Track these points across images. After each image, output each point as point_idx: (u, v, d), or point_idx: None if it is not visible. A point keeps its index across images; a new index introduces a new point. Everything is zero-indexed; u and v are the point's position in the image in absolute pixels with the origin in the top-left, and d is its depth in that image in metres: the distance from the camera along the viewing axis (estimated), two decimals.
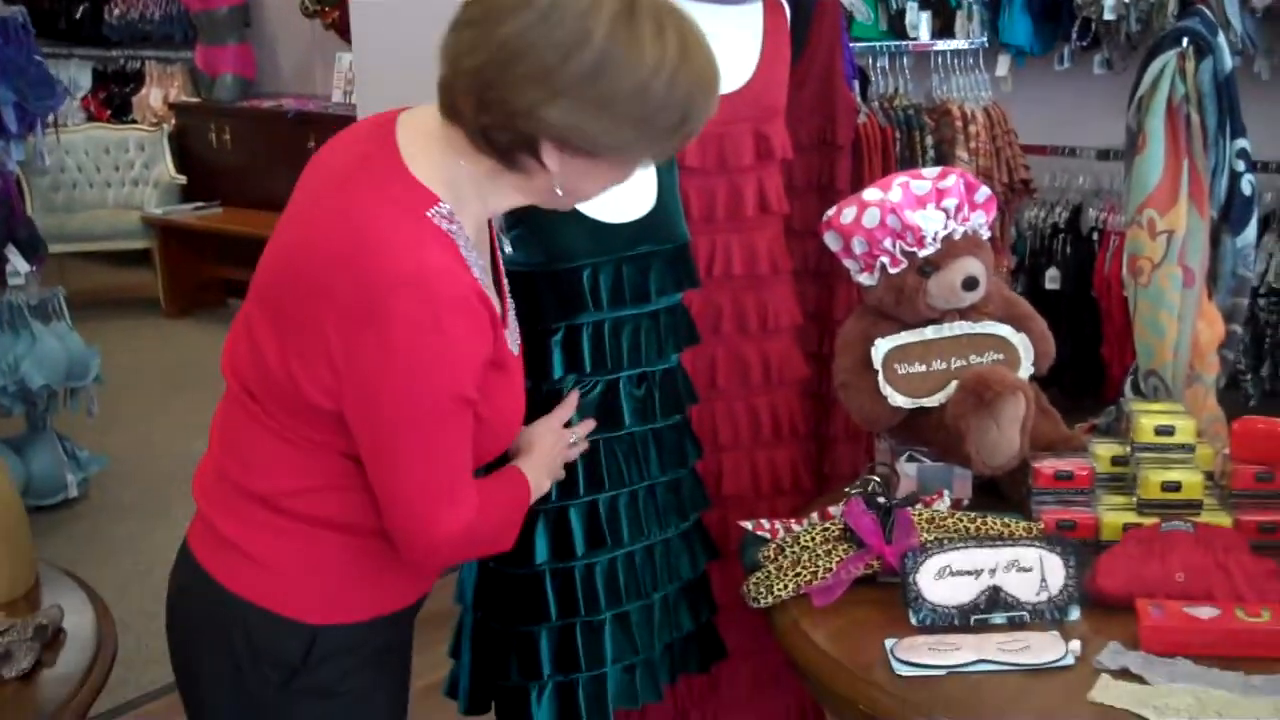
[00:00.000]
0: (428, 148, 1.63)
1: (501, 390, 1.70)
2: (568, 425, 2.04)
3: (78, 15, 9.18)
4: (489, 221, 1.80)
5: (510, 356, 1.74)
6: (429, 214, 1.60)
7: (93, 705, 2.01)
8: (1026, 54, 5.30)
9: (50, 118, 4.69)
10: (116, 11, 8.98)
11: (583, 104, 1.53)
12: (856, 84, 3.51)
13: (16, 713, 1.93)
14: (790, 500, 2.57)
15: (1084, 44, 4.99)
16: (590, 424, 2.07)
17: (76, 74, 9.11)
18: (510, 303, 1.86)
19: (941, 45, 3.98)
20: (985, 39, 4.48)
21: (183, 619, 1.86)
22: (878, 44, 3.97)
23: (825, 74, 3.03)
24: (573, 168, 1.62)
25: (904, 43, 4.14)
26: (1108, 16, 4.87)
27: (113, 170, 8.15)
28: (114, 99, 9.08)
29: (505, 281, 1.86)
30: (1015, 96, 5.52)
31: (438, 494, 1.64)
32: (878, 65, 3.88)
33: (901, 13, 5.53)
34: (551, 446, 1.97)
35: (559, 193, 1.66)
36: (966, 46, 4.16)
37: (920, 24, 5.05)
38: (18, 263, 4.65)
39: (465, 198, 1.65)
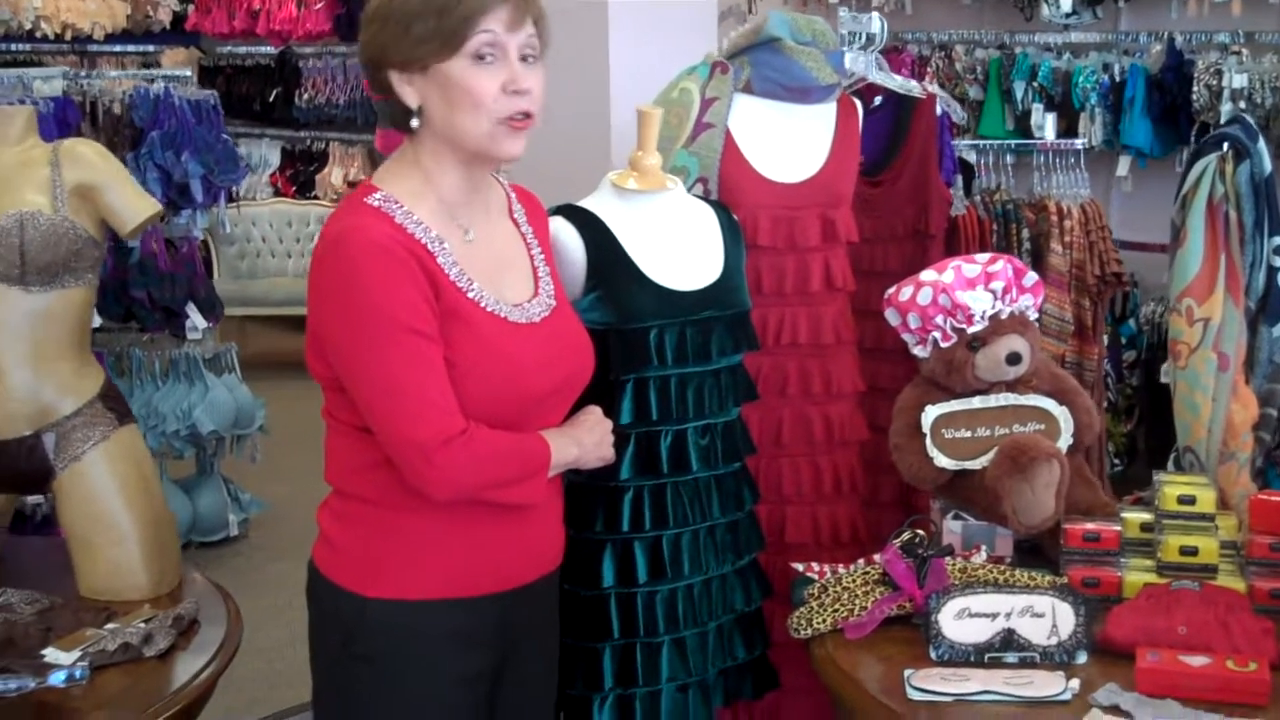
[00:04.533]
0: (392, 159, 2.10)
1: (465, 339, 1.98)
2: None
3: (271, 99, 9.83)
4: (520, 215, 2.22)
5: (478, 311, 2.01)
6: (365, 200, 2.01)
7: (215, 684, 2.35)
8: (1147, 155, 5.47)
9: (233, 190, 5.19)
10: (305, 97, 9.60)
11: (382, 25, 1.98)
12: (959, 179, 3.74)
13: (152, 684, 2.28)
14: (849, 552, 2.79)
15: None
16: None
17: (267, 152, 9.74)
18: (544, 284, 2.16)
19: (1043, 145, 4.18)
20: (1100, 140, 4.68)
21: (306, 600, 2.19)
22: (986, 142, 4.21)
23: (920, 169, 3.28)
24: (423, 91, 1.99)
25: (1010, 141, 4.35)
26: (1224, 122, 5.02)
27: (294, 242, 8.72)
28: (299, 176, 9.69)
29: (537, 266, 2.18)
30: (1135, 196, 5.71)
31: (404, 410, 1.93)
32: (986, 161, 4.11)
33: (1027, 113, 5.78)
34: (588, 428, 2.19)
35: (438, 128, 2.00)
36: (1079, 147, 4.33)
37: (1045, 124, 5.27)
38: (196, 320, 5.12)
39: (408, 180, 2.05)
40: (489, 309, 2.03)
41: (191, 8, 10.03)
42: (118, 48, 10.14)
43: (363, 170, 9.24)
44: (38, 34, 9.51)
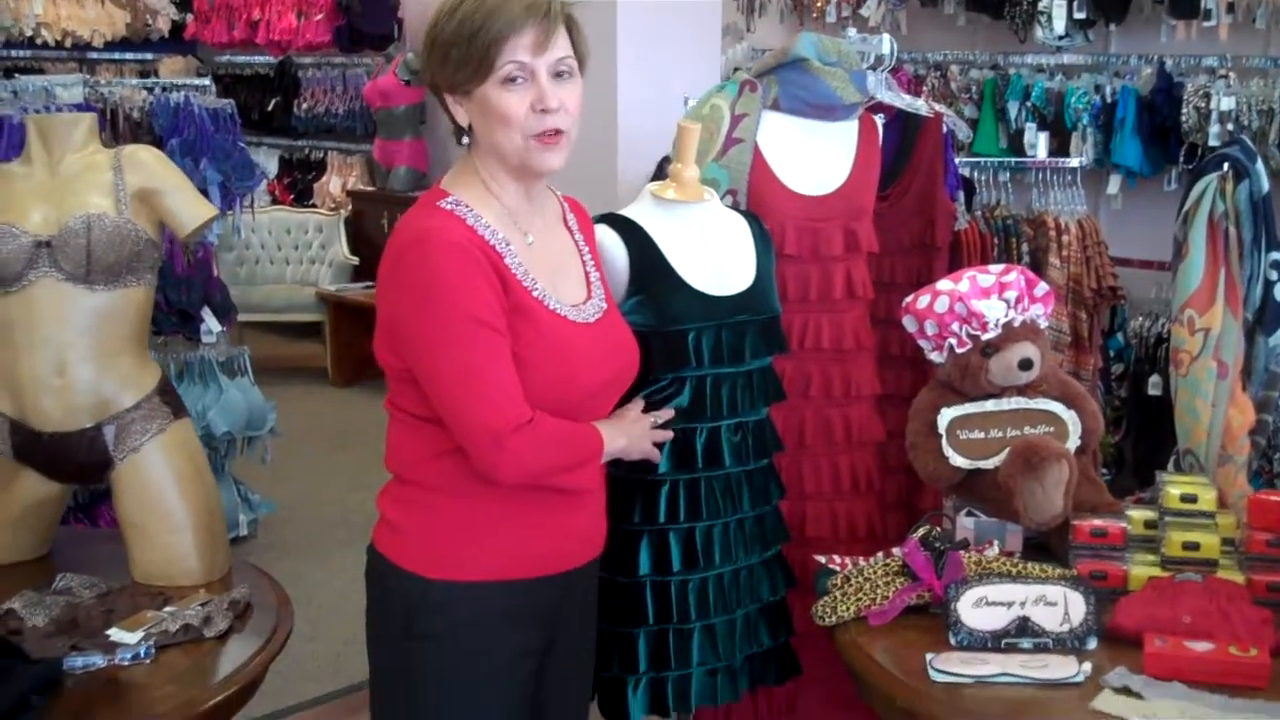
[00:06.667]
0: (457, 167, 2.25)
1: (531, 335, 2.12)
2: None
3: (269, 108, 9.93)
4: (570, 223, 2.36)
5: (543, 310, 2.16)
6: (438, 204, 2.16)
7: (270, 665, 2.46)
8: (1136, 174, 5.63)
9: (248, 198, 5.30)
10: (304, 106, 9.69)
11: (429, 54, 2.15)
12: (961, 194, 3.88)
13: (213, 663, 2.40)
14: (865, 546, 2.92)
15: (1191, 167, 5.29)
16: (670, 413, 2.45)
17: (265, 161, 9.77)
18: (595, 288, 2.31)
19: (1040, 163, 4.32)
20: (1091, 159, 4.82)
21: (365, 582, 2.31)
22: (983, 159, 4.36)
23: (926, 184, 3.41)
24: (469, 111, 2.15)
25: (1009, 159, 4.50)
26: (1212, 143, 5.20)
27: (292, 249, 8.80)
28: (297, 185, 9.78)
29: (589, 271, 2.33)
30: (1125, 214, 5.87)
31: (477, 398, 2.06)
32: (984, 178, 4.25)
33: (1020, 132, 5.94)
34: (631, 420, 2.36)
35: (487, 140, 2.15)
36: (1075, 165, 4.47)
37: (1038, 143, 5.44)
38: (211, 323, 5.22)
39: (473, 187, 2.20)
40: (552, 308, 2.17)
41: (190, 17, 10.14)
42: (116, 55, 10.25)
43: (361, 180, 9.34)
44: (38, 41, 9.62)
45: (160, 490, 2.72)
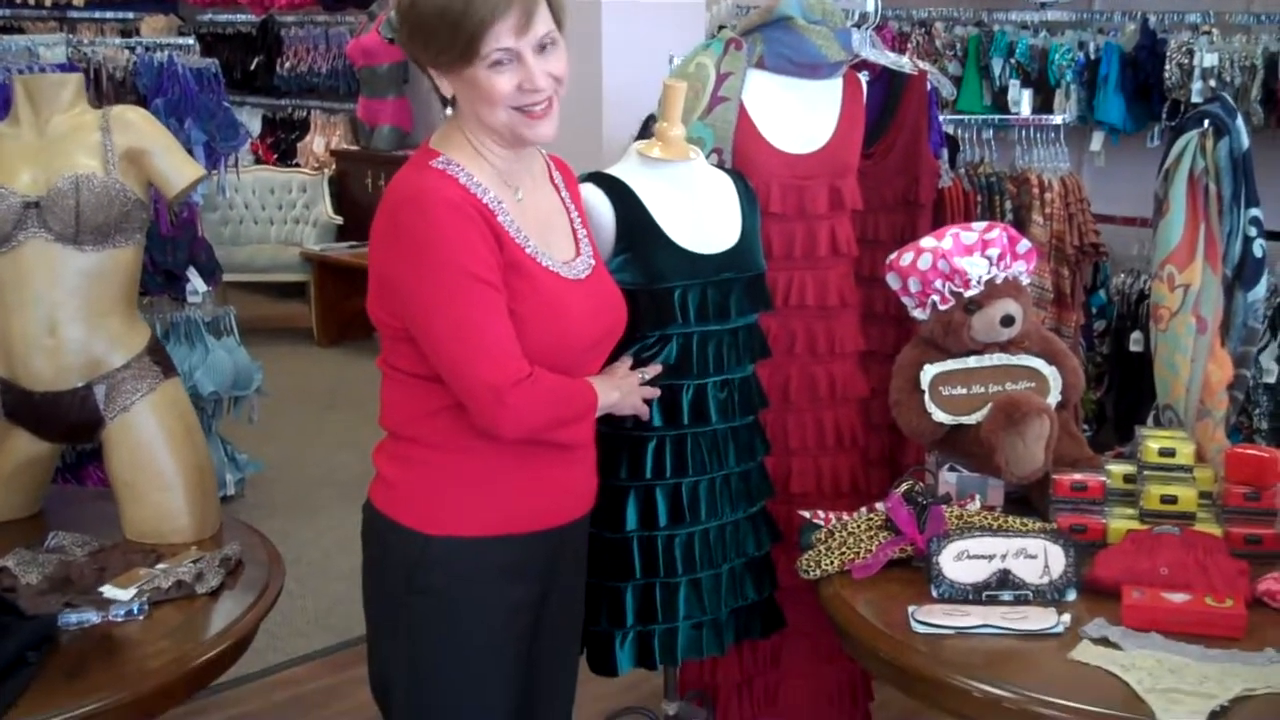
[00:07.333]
0: (445, 127, 2.24)
1: (527, 291, 2.15)
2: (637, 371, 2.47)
3: (252, 67, 9.89)
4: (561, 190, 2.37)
5: (537, 266, 2.19)
6: (430, 163, 2.17)
7: (261, 621, 2.50)
8: (1119, 131, 5.65)
9: (233, 158, 5.30)
10: (287, 65, 9.65)
11: (408, 35, 2.14)
12: (945, 152, 3.90)
13: (206, 618, 2.43)
14: (849, 501, 2.97)
15: (1173, 124, 5.31)
16: (657, 369, 2.48)
17: (248, 120, 9.75)
18: (583, 245, 2.33)
19: (1024, 120, 4.34)
20: (1074, 116, 4.83)
21: (361, 539, 2.34)
22: (967, 116, 4.38)
23: (911, 141, 3.42)
24: (454, 86, 2.15)
25: (993, 116, 4.52)
26: (1195, 99, 5.22)
27: (276, 209, 8.79)
28: (281, 144, 9.76)
29: (576, 229, 2.35)
30: (1108, 170, 5.89)
31: (477, 354, 2.09)
32: (968, 136, 4.27)
33: (1004, 89, 5.95)
34: (621, 376, 2.40)
35: (473, 113, 2.16)
36: (1059, 122, 4.50)
37: (1021, 100, 5.45)
38: (197, 283, 5.23)
39: (463, 148, 2.20)
40: (545, 264, 2.20)
41: None
42: (97, 14, 10.19)
43: (344, 139, 9.32)
44: (17, 0, 9.57)
45: (151, 449, 2.74)
